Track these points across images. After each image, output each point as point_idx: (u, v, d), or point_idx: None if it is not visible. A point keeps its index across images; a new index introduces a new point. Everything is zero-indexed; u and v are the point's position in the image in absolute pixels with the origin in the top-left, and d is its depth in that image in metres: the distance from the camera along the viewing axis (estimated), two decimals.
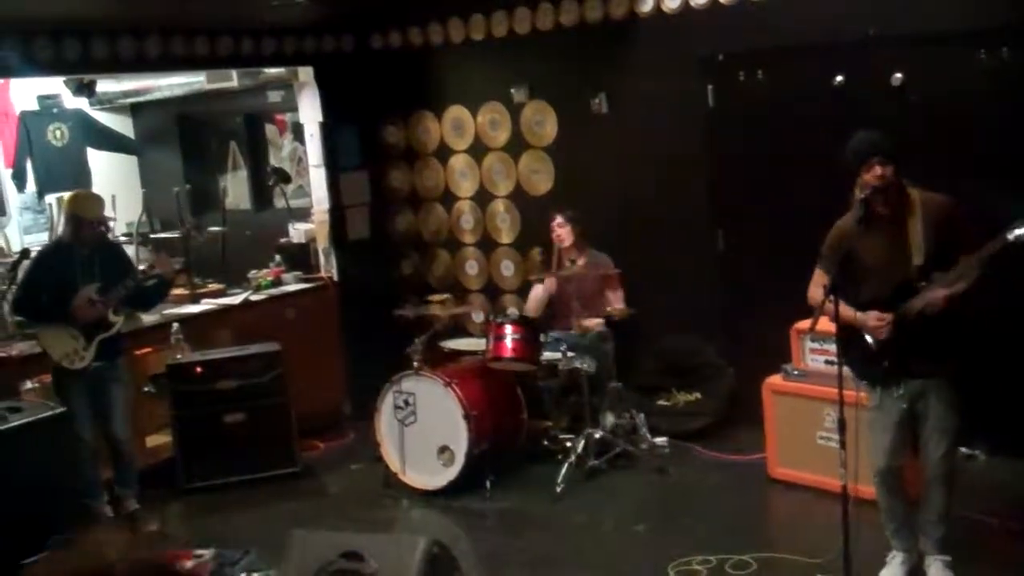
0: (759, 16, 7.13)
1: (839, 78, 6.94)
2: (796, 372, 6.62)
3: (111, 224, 7.14)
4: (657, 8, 7.58)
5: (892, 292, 4.94)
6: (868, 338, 5.03)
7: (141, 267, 7.22)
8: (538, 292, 7.99)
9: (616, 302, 7.60)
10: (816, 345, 6.49)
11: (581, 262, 7.59)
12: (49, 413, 6.17)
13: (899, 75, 6.66)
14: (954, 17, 6.35)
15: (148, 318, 7.77)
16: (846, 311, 4.96)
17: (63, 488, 6.09)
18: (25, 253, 7.17)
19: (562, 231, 7.69)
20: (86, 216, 6.62)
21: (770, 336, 6.84)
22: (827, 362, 6.33)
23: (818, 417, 6.41)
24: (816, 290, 5.17)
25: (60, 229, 7.10)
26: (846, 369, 4.96)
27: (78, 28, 7.45)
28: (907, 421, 5.07)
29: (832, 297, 4.78)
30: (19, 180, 9.41)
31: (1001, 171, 6.20)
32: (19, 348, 7.18)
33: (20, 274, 6.89)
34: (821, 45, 6.94)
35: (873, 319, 4.97)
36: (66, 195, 7.23)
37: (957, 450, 5.24)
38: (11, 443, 5.88)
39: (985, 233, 4.66)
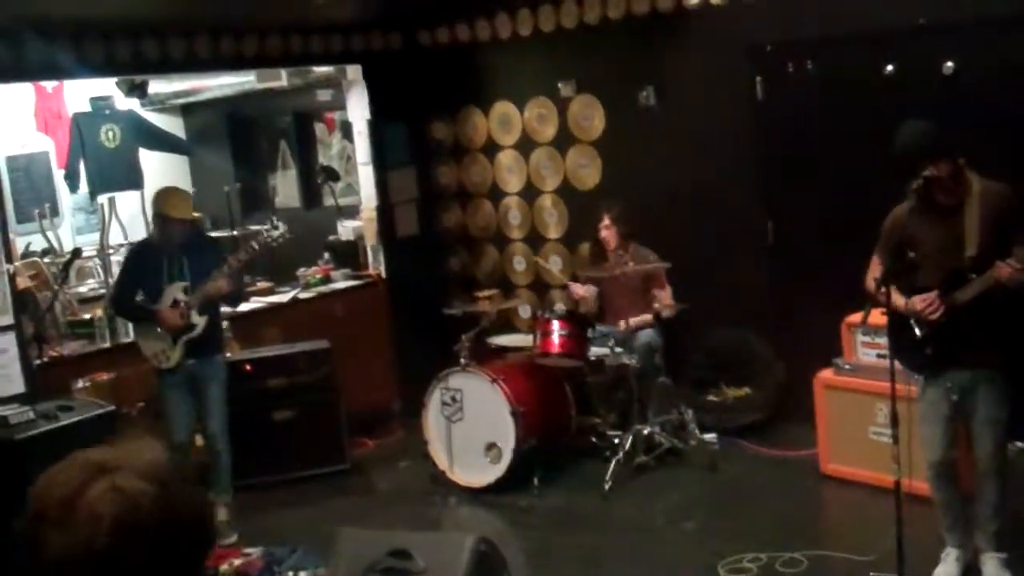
0: (807, 6, 7.05)
1: (889, 67, 6.84)
2: (847, 366, 6.53)
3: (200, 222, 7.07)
4: (704, 0, 7.51)
5: (943, 281, 4.87)
6: (915, 327, 4.95)
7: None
8: (592, 290, 7.94)
9: (664, 299, 7.53)
10: (867, 338, 6.42)
11: (628, 258, 7.50)
12: (99, 411, 6.21)
13: (950, 63, 6.55)
14: (1004, 3, 6.24)
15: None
16: (897, 300, 4.90)
17: None
18: (76, 253, 7.21)
19: (608, 233, 7.58)
20: (171, 215, 6.54)
21: (821, 330, 6.77)
22: (879, 356, 6.25)
23: (870, 412, 6.33)
24: (872, 279, 5.10)
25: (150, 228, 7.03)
26: (898, 362, 4.90)
27: (129, 29, 7.51)
28: (957, 414, 5.00)
29: (884, 287, 4.73)
30: (72, 181, 9.48)
31: None
32: (71, 347, 7.26)
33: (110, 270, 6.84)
34: (871, 34, 6.85)
35: (920, 302, 4.90)
36: (156, 191, 7.04)
37: (1008, 443, 5.15)
38: (61, 441, 5.88)
39: None
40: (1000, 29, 6.35)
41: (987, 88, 6.42)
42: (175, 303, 6.53)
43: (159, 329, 6.54)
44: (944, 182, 4.81)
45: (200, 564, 1.64)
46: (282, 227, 6.80)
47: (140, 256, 6.81)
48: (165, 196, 6.76)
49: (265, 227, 6.84)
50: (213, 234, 9.46)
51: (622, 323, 7.27)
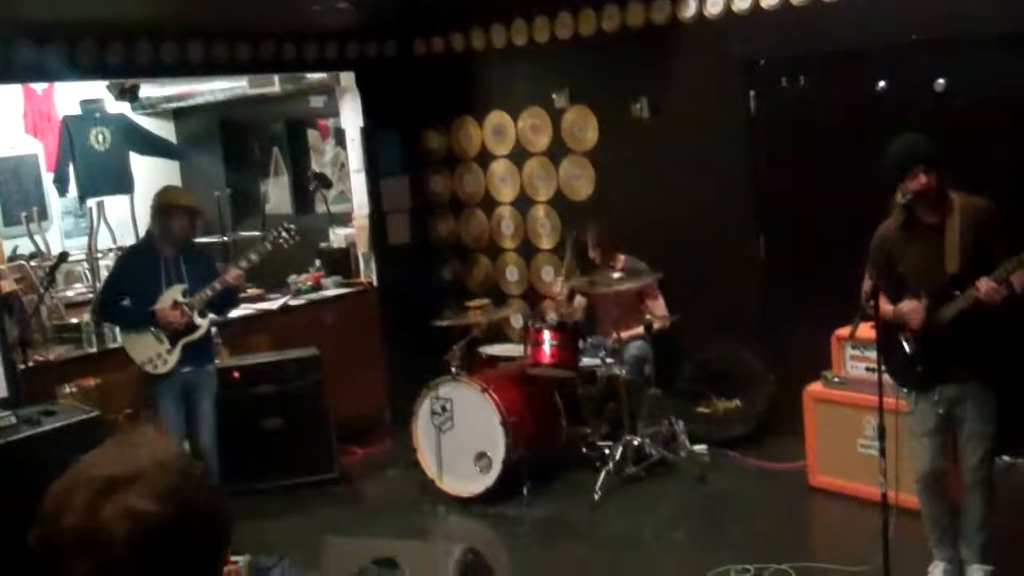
0: (801, 21, 7.05)
1: (881, 83, 6.85)
2: (836, 379, 6.53)
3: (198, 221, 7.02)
4: (699, 13, 7.52)
5: (928, 299, 4.89)
6: (904, 344, 4.96)
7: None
8: (580, 301, 7.95)
9: (657, 310, 7.53)
10: (857, 352, 6.42)
11: (619, 270, 7.47)
12: (83, 416, 6.10)
13: (942, 80, 6.57)
14: (998, 20, 6.24)
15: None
16: (886, 307, 4.92)
17: None
18: (63, 256, 7.13)
19: (595, 253, 7.63)
20: (178, 202, 6.46)
21: (811, 343, 6.77)
22: (867, 369, 6.26)
23: (858, 425, 6.33)
24: (864, 293, 5.11)
25: (148, 226, 6.87)
26: (886, 376, 4.90)
27: (121, 32, 7.47)
28: (945, 426, 5.01)
29: (872, 302, 4.74)
30: (61, 184, 9.44)
31: None
32: (57, 352, 7.19)
33: (101, 278, 6.76)
34: (863, 50, 6.86)
35: (907, 306, 4.92)
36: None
37: (994, 456, 5.15)
38: (44, 446, 5.79)
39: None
40: (992, 46, 6.36)
41: (979, 105, 6.43)
42: (175, 305, 6.46)
43: (157, 333, 6.46)
44: (930, 195, 4.82)
45: (218, 565, 1.66)
46: (293, 228, 6.78)
47: (133, 261, 6.69)
48: (168, 189, 6.82)
49: (277, 229, 6.78)
50: (203, 239, 9.45)
51: (613, 335, 7.26)
